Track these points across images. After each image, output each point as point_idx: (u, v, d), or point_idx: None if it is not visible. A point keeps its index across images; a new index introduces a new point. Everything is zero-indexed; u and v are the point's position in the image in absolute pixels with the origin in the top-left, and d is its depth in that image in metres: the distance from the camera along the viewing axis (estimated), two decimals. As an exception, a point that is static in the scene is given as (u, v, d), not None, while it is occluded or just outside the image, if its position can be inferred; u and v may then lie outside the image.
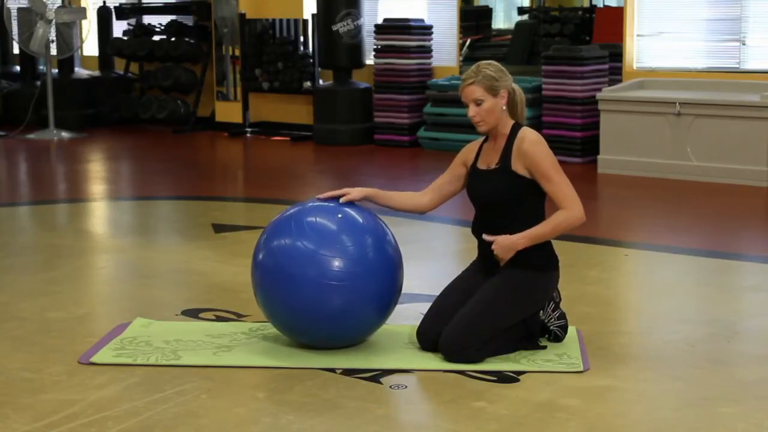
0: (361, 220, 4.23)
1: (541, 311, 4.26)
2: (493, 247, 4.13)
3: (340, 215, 4.22)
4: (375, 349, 4.27)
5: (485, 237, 4.18)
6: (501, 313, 4.14)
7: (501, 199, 4.20)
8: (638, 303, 5.34)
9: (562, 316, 4.33)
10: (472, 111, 4.20)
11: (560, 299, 4.37)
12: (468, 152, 4.36)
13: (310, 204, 4.31)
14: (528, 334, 4.23)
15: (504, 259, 4.14)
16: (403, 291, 4.28)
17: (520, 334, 4.21)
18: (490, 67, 4.20)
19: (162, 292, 5.37)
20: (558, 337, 4.32)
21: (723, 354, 4.36)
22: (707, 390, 3.90)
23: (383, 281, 4.16)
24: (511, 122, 4.24)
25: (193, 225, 7.10)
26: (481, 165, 4.28)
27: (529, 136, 4.19)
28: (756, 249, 6.40)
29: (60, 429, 3.54)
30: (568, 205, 4.14)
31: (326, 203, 4.29)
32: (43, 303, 5.08)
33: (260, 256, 4.24)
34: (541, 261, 4.20)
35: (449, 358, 4.10)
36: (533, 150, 4.15)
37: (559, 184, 4.14)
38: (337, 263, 4.06)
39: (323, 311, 4.09)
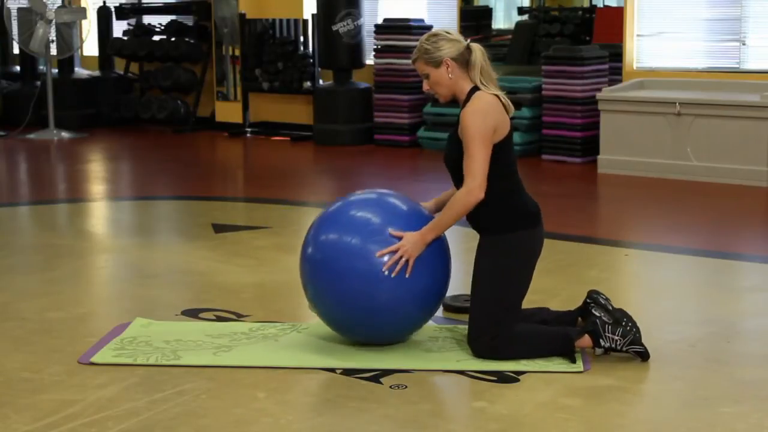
0: (407, 210, 4.22)
1: (602, 339, 4.11)
2: (400, 244, 4.04)
3: (386, 207, 4.22)
4: (375, 349, 4.26)
5: (391, 232, 4.07)
6: (495, 290, 4.10)
7: (451, 164, 4.20)
8: (638, 303, 5.32)
9: (636, 341, 4.11)
10: (425, 85, 4.22)
11: (612, 320, 4.14)
12: None
13: (355, 197, 4.32)
14: (565, 344, 4.14)
15: (414, 255, 4.04)
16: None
17: (558, 342, 4.15)
18: (428, 40, 4.17)
19: (162, 292, 5.37)
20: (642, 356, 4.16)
21: (723, 354, 4.36)
22: (707, 390, 3.90)
23: (434, 273, 4.13)
24: (470, 86, 4.16)
25: (193, 225, 7.10)
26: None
27: (471, 104, 4.09)
28: (756, 249, 6.40)
29: (60, 429, 3.54)
30: (467, 181, 4.05)
31: (370, 195, 4.35)
32: (43, 303, 5.08)
33: (309, 251, 4.19)
34: (506, 224, 4.12)
35: (475, 353, 4.12)
36: (463, 118, 4.07)
37: (471, 156, 4.02)
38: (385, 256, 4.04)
39: (370, 304, 4.06)
